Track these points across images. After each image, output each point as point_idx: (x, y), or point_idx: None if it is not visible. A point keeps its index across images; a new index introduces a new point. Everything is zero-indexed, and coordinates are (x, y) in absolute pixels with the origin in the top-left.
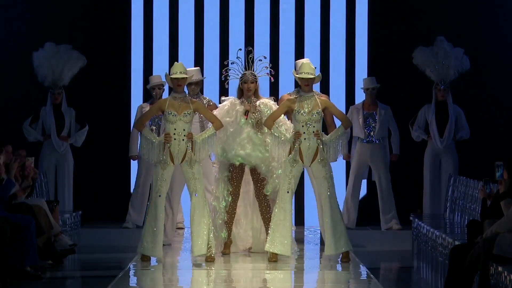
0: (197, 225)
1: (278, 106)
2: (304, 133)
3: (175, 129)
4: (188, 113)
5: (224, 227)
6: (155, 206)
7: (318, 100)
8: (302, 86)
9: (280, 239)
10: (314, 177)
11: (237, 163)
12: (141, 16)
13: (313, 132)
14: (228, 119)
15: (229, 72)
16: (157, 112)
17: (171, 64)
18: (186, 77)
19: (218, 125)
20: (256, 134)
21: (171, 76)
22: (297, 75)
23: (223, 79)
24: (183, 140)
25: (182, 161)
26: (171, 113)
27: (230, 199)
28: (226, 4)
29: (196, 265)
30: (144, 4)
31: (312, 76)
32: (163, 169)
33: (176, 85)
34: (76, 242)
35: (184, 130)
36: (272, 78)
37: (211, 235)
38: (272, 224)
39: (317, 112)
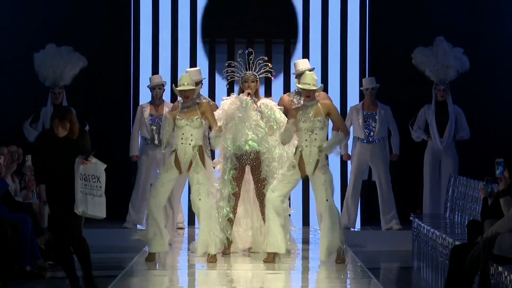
0: (200, 226)
1: (278, 107)
2: (306, 140)
3: (182, 133)
4: (195, 119)
5: (229, 227)
6: (151, 212)
7: (321, 107)
8: (303, 96)
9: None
10: (314, 183)
11: (248, 148)
12: (142, 17)
13: (315, 139)
14: (233, 106)
15: (230, 72)
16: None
17: (172, 64)
18: (194, 89)
19: (216, 130)
20: (262, 120)
21: (178, 89)
22: (299, 85)
23: (223, 79)
24: (189, 145)
25: (189, 170)
26: (179, 118)
27: (233, 200)
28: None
29: (196, 265)
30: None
31: (314, 88)
32: (165, 171)
33: (183, 96)
34: None
35: (191, 135)
36: (272, 78)
37: (212, 236)
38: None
39: (319, 120)
